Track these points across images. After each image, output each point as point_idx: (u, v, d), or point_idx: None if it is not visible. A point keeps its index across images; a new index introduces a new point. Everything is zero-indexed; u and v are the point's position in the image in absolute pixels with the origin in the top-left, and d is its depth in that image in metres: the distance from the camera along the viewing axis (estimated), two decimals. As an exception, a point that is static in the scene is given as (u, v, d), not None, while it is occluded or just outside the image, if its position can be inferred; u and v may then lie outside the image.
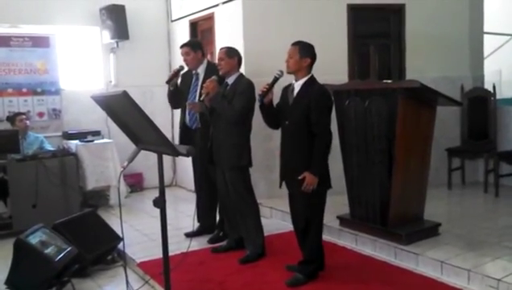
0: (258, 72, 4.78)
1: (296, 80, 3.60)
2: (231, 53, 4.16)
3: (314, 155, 3.46)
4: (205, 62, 4.70)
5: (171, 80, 4.59)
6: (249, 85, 4.08)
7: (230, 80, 4.14)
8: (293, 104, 3.58)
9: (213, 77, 4.10)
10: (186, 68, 4.72)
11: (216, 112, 4.07)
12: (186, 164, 5.11)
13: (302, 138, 3.51)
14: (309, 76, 3.58)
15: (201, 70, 4.64)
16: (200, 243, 4.54)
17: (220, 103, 4.00)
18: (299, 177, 3.45)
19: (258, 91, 3.71)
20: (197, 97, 4.51)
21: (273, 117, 3.72)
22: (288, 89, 3.66)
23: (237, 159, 4.06)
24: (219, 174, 4.21)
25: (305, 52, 3.55)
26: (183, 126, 4.70)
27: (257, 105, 3.83)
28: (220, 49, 4.27)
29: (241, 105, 3.96)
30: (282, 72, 3.61)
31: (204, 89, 4.04)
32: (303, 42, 3.61)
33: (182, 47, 4.70)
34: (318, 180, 3.44)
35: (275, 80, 3.59)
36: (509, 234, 4.21)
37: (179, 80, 4.73)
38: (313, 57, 3.59)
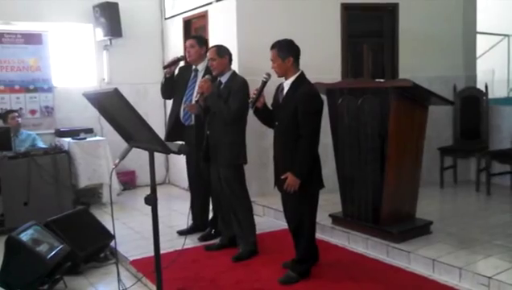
0: (252, 71, 4.78)
1: (286, 80, 3.55)
2: (222, 52, 4.14)
3: (297, 156, 3.41)
4: (206, 60, 4.68)
5: (168, 67, 4.63)
6: (244, 84, 4.07)
7: (224, 78, 4.13)
8: (282, 105, 3.53)
9: (207, 77, 4.08)
10: (186, 59, 4.73)
11: (210, 111, 4.06)
12: (179, 162, 5.10)
13: (291, 139, 3.45)
14: (298, 73, 3.51)
15: (201, 67, 4.60)
16: (193, 241, 4.54)
17: (215, 103, 3.99)
18: (282, 177, 3.43)
19: (252, 89, 3.69)
20: (194, 94, 4.49)
21: (269, 118, 3.68)
22: (279, 88, 3.62)
23: (234, 157, 4.06)
24: (213, 171, 4.21)
25: (285, 52, 3.47)
26: (176, 121, 4.66)
27: None
28: (210, 48, 4.25)
29: (237, 105, 3.93)
30: (269, 74, 3.53)
31: (198, 89, 4.03)
32: (280, 42, 3.52)
33: (189, 39, 4.74)
34: (300, 181, 3.38)
35: (263, 84, 3.53)
36: (500, 233, 4.24)
37: (176, 71, 4.74)
38: (295, 53, 3.50)
